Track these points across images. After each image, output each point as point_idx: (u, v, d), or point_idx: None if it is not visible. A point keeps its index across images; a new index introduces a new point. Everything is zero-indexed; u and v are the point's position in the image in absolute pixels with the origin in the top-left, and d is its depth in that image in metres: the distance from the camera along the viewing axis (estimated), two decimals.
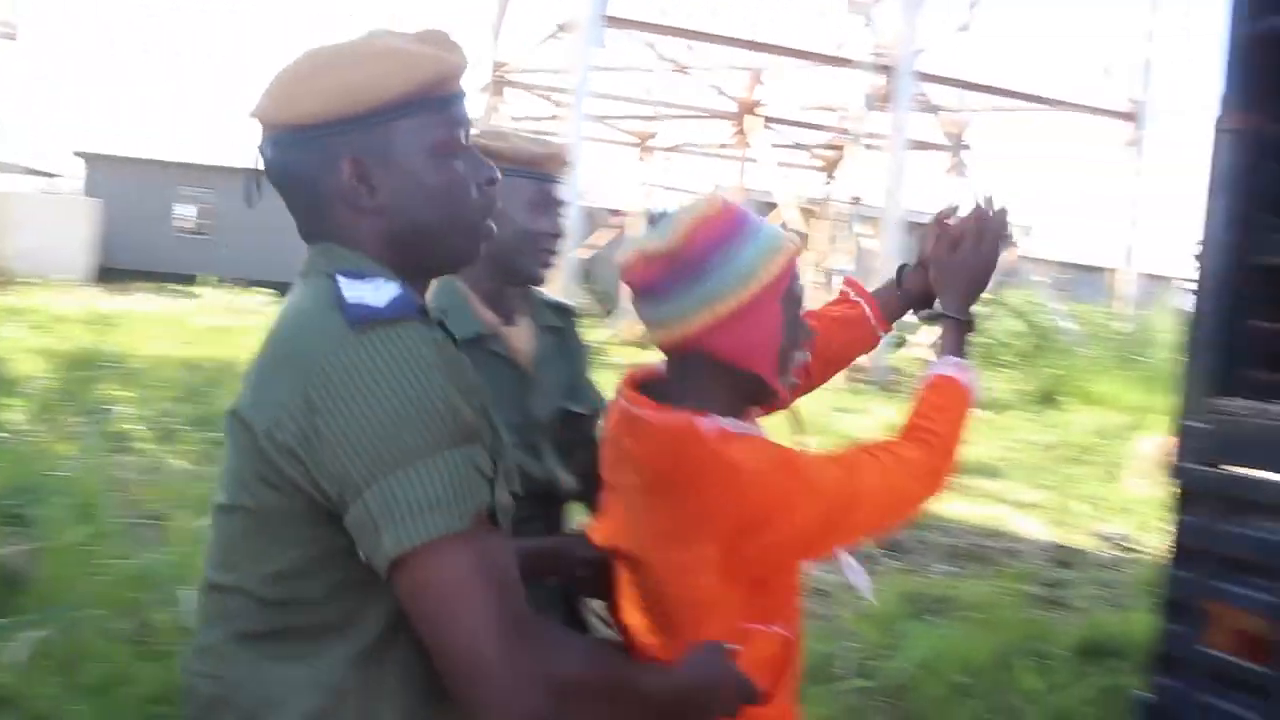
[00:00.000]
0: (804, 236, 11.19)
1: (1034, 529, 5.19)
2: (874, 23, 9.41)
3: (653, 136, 13.81)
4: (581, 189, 10.86)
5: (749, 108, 11.51)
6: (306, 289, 1.10)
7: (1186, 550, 2.44)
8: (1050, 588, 4.18)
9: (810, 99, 12.84)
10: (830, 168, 11.53)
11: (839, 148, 10.62)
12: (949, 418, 1.61)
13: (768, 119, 11.79)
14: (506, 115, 12.91)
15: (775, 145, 12.00)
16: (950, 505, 4.96)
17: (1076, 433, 8.20)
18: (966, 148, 11.83)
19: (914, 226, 13.10)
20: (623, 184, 15.11)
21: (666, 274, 1.50)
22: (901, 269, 1.79)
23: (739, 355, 1.51)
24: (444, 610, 0.98)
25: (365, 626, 1.04)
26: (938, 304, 1.71)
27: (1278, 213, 2.60)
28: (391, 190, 1.12)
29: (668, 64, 12.24)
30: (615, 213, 14.48)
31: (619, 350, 11.88)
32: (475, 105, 12.45)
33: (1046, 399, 9.91)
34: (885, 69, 9.34)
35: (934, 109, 10.72)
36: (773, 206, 12.63)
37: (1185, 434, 2.53)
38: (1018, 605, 3.75)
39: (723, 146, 12.31)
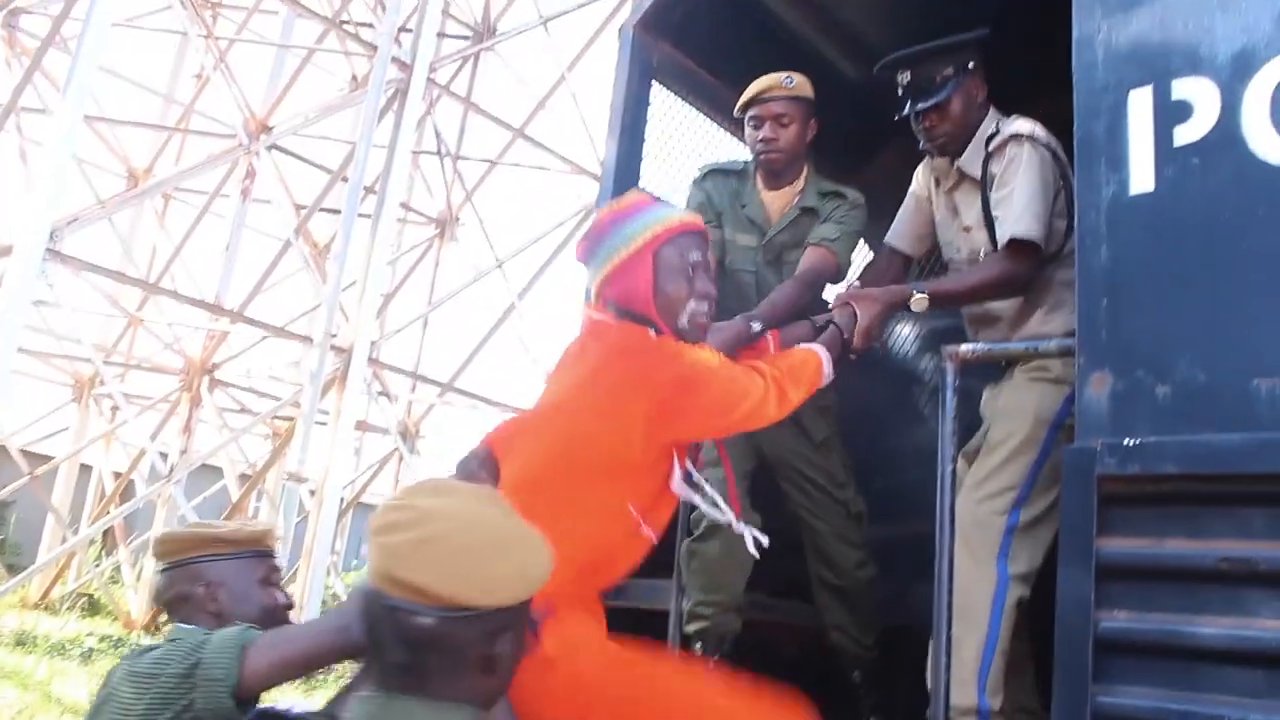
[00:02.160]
0: (241, 505, 10.80)
1: None
2: (337, 305, 9.61)
3: (94, 381, 12.91)
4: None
5: (203, 368, 11.15)
6: None
7: None
8: None
9: (267, 369, 12.76)
10: (278, 439, 11.32)
11: (289, 420, 10.50)
12: (808, 378, 2.39)
13: (220, 382, 11.48)
14: None
15: (224, 409, 11.68)
16: None
17: None
18: (420, 436, 12.18)
19: (358, 507, 13.11)
20: (52, 427, 13.87)
21: (586, 246, 2.25)
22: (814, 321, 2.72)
23: (625, 300, 2.20)
24: None
25: None
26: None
27: None
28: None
29: (120, 311, 11.70)
30: (37, 457, 13.15)
31: (22, 612, 10.53)
32: None
33: None
34: (341, 351, 9.50)
35: (386, 395, 11.02)
36: (215, 470, 12.15)
37: None
38: None
39: (169, 403, 11.73)
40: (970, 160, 2.87)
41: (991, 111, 2.92)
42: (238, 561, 2.00)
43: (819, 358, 2.49)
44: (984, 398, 2.90)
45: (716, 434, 2.41)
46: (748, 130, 3.24)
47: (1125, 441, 2.04)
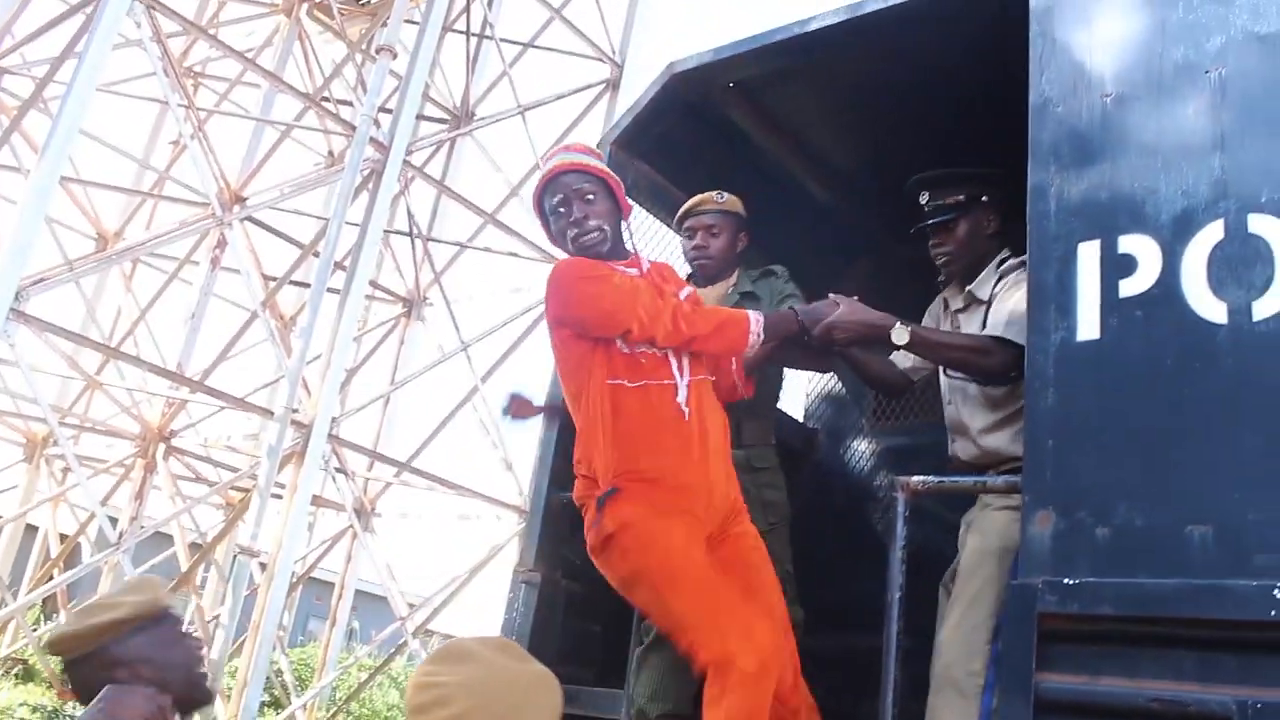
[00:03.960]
0: (190, 576, 10.66)
1: None
2: (300, 379, 9.62)
3: (46, 441, 12.78)
4: None
5: (159, 435, 11.08)
6: None
7: None
8: None
9: (223, 439, 12.67)
10: (232, 509, 11.23)
11: (245, 491, 10.44)
12: (716, 325, 2.80)
13: (176, 450, 11.39)
14: None
15: (179, 477, 11.57)
16: None
17: None
18: (376, 514, 12.09)
19: (308, 582, 12.97)
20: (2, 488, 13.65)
21: None
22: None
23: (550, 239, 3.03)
24: None
25: None
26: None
27: (562, 659, 2.95)
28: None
29: (79, 373, 11.62)
30: None
31: None
32: None
33: None
34: (301, 426, 9.48)
35: (344, 472, 10.97)
36: (164, 538, 12.00)
37: None
38: None
39: (124, 467, 11.62)
40: (982, 285, 3.08)
41: (1007, 249, 3.12)
42: (145, 634, 2.03)
43: (746, 316, 2.83)
44: (963, 525, 3.00)
45: (607, 330, 2.79)
46: (682, 241, 3.58)
47: (1065, 580, 2.13)
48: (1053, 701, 2.10)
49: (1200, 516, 2.07)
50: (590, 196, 2.94)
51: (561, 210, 2.94)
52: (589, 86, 12.75)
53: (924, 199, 3.11)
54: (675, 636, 2.61)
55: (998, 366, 2.85)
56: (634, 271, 2.95)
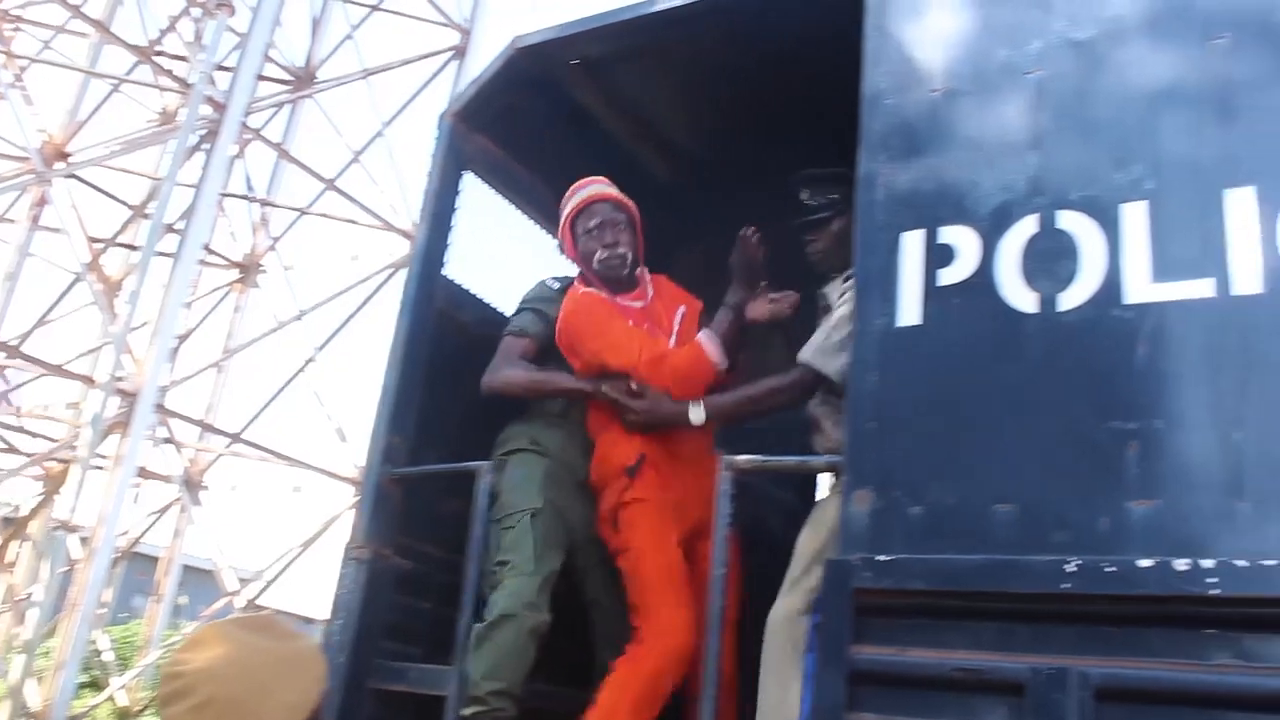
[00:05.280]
0: (1, 553, 10.14)
1: None
2: (123, 346, 9.22)
3: None
4: None
5: None
6: None
7: None
8: None
9: (41, 407, 12.05)
10: (50, 482, 10.71)
11: (64, 463, 9.96)
12: (682, 382, 3.07)
13: None
14: None
15: None
16: None
17: None
18: (204, 487, 11.69)
19: (131, 557, 12.48)
20: None
21: None
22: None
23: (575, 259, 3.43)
24: None
25: None
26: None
27: (391, 636, 2.93)
28: None
29: None
30: None
31: None
32: None
33: None
34: (127, 394, 9.10)
35: (172, 443, 10.57)
36: None
37: None
38: None
39: None
40: (833, 289, 3.10)
41: None
42: None
43: (701, 350, 3.11)
44: None
45: (605, 367, 3.16)
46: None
47: (879, 557, 2.22)
48: (866, 673, 2.18)
49: (1005, 496, 2.19)
50: (621, 225, 3.35)
51: (595, 232, 3.34)
52: (436, 53, 12.51)
53: (805, 195, 3.15)
54: (631, 608, 2.97)
55: (797, 398, 2.99)
56: (639, 304, 3.33)
